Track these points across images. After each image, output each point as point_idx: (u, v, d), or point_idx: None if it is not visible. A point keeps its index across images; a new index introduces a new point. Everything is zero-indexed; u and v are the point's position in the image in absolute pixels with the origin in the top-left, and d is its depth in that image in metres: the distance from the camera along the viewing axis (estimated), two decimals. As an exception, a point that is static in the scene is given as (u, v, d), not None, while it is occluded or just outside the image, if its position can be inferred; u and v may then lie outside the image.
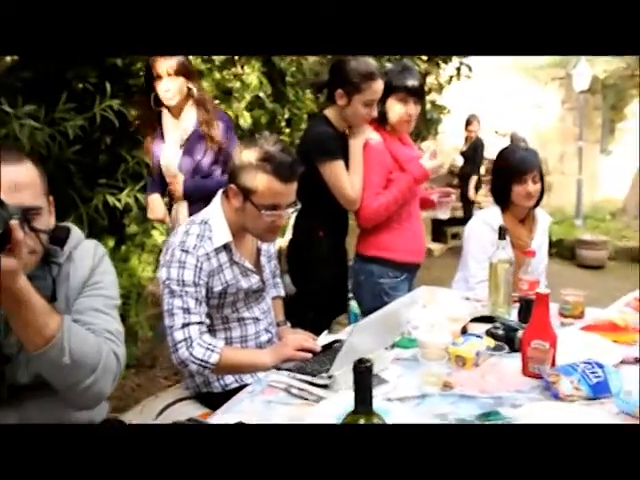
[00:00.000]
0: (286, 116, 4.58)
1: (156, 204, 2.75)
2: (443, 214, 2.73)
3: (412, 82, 2.43)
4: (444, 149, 8.27)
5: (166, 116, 2.70)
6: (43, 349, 1.17)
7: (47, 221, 1.32)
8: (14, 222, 1.08)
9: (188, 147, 2.64)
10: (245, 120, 4.03)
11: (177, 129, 2.67)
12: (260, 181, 1.71)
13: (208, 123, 2.62)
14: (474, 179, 7.34)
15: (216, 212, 1.82)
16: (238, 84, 4.10)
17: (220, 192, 1.87)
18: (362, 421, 0.93)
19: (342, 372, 1.52)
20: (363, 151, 2.44)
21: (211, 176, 2.66)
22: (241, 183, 1.74)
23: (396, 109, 2.46)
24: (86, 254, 1.40)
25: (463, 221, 6.78)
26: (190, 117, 2.65)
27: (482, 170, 7.66)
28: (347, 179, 2.38)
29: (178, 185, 2.65)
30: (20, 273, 1.13)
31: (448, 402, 1.47)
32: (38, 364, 1.21)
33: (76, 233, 1.43)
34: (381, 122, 2.50)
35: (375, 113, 2.41)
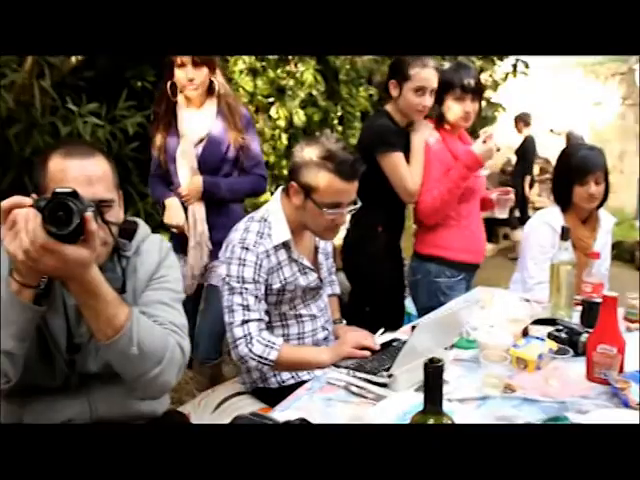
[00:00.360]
0: (339, 114, 4.59)
1: (175, 208, 2.42)
2: (502, 213, 2.68)
3: (468, 80, 2.42)
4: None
5: (182, 109, 2.45)
6: (112, 339, 1.21)
7: (117, 214, 1.35)
8: (89, 214, 1.11)
9: (209, 142, 2.40)
10: (299, 118, 4.06)
11: (196, 123, 2.42)
12: (322, 179, 1.71)
13: (231, 117, 2.40)
14: (528, 178, 7.18)
15: (276, 209, 1.83)
16: (292, 82, 4.12)
17: (280, 189, 1.88)
18: (431, 421, 0.92)
19: (402, 371, 1.51)
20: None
21: (231, 174, 2.45)
22: (302, 181, 1.74)
23: (453, 107, 2.45)
24: (153, 248, 1.43)
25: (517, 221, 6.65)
26: (210, 111, 2.43)
27: (536, 169, 7.46)
28: (407, 170, 2.39)
29: (196, 184, 2.37)
30: (92, 264, 1.16)
31: (510, 405, 1.44)
32: (107, 353, 1.25)
33: (143, 227, 1.46)
34: (440, 121, 2.50)
35: (428, 102, 2.39)
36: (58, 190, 1.12)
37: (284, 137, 4.16)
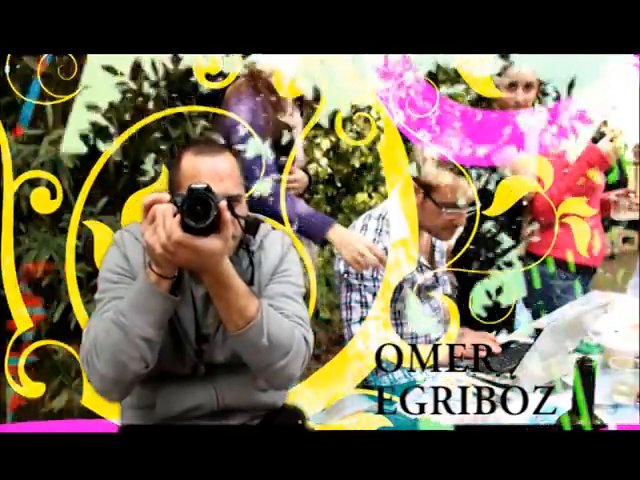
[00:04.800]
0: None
1: None
2: (618, 215, 2.53)
3: None
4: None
5: None
6: (243, 329, 1.24)
7: (243, 210, 1.38)
8: (223, 203, 1.16)
9: None
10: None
11: None
12: (443, 179, 1.71)
13: None
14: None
15: (394, 207, 1.83)
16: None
17: (397, 187, 1.88)
18: (582, 421, 0.88)
19: (526, 373, 1.46)
20: None
21: None
22: (422, 180, 1.74)
23: None
24: (275, 243, 1.46)
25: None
26: None
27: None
28: None
29: None
30: (225, 255, 1.20)
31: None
32: (237, 344, 1.28)
33: (265, 223, 1.50)
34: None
35: (523, 97, 2.31)
36: (194, 186, 1.17)
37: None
